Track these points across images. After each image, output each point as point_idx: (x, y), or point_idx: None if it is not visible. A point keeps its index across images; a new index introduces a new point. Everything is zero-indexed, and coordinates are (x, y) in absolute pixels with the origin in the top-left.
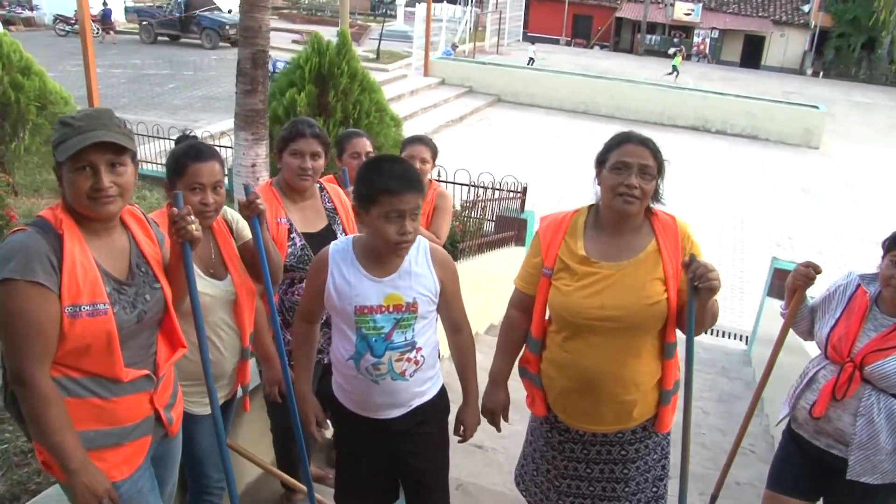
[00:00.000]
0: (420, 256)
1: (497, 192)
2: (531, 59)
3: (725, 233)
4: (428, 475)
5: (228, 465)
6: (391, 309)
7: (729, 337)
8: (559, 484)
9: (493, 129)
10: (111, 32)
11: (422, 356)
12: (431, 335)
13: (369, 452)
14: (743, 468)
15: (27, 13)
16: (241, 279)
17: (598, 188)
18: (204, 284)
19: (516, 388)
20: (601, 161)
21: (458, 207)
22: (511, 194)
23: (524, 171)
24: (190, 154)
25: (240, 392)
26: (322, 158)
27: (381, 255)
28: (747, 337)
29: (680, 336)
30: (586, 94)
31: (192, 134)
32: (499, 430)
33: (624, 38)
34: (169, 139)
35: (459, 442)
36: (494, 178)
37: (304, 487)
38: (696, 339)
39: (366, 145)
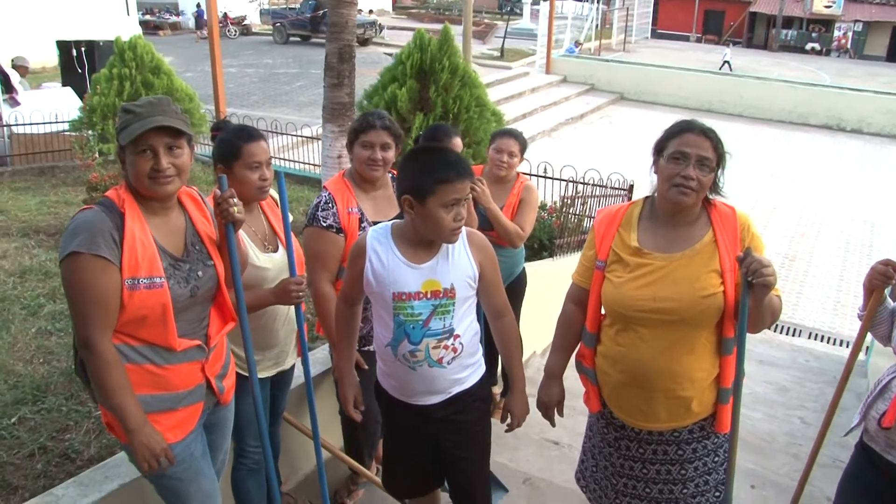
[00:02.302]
0: (458, 241)
1: (600, 189)
2: (726, 62)
3: (854, 237)
4: (467, 463)
5: (265, 431)
6: (429, 295)
7: (846, 346)
8: (616, 482)
9: (614, 128)
10: (201, 31)
11: (460, 343)
12: (471, 323)
13: (412, 438)
14: (832, 482)
15: (174, 19)
16: (294, 250)
17: (655, 178)
18: (263, 259)
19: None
20: (659, 149)
21: (557, 203)
22: (615, 191)
23: (640, 169)
24: (243, 136)
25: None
26: (392, 149)
27: (419, 242)
28: (868, 347)
29: (754, 337)
30: (712, 91)
31: (228, 119)
32: (553, 424)
33: (758, 33)
34: (286, 134)
35: (506, 431)
36: (601, 175)
37: (368, 472)
38: (806, 344)
39: (458, 145)
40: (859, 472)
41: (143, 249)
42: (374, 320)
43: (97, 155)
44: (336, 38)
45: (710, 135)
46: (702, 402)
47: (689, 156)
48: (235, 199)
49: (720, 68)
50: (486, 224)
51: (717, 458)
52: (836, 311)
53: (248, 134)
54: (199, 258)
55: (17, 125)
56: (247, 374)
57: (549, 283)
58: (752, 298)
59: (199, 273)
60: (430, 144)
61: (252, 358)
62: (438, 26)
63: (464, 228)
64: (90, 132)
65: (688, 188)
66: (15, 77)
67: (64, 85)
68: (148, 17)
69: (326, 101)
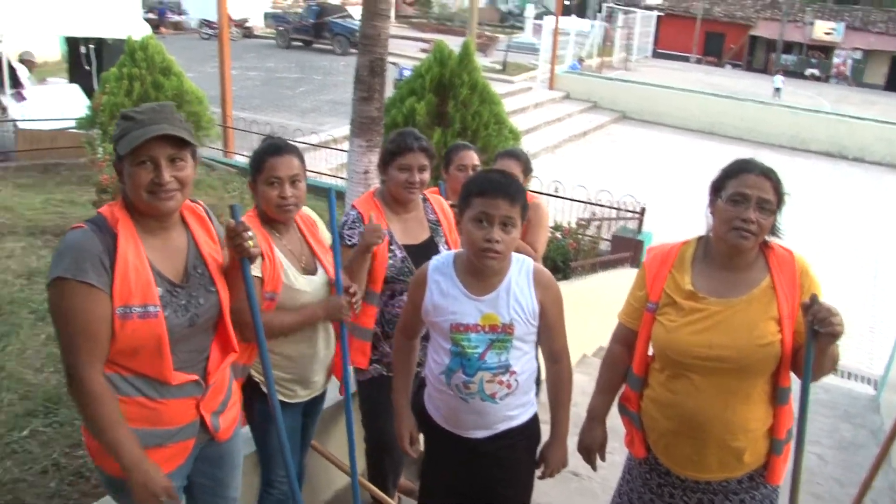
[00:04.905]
0: (521, 277)
1: (615, 212)
2: (777, 89)
3: (856, 267)
4: (508, 502)
5: (289, 459)
6: (487, 329)
7: (855, 379)
8: None
9: (617, 146)
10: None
11: (515, 380)
12: (529, 361)
13: (453, 469)
14: None
15: (176, 18)
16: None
17: (711, 218)
18: (302, 283)
19: (613, 414)
20: (717, 189)
21: (573, 225)
22: (629, 214)
23: (645, 191)
24: (268, 150)
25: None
26: (428, 171)
27: (480, 272)
28: (876, 381)
29: (795, 381)
30: (714, 113)
31: (276, 136)
32: (594, 468)
33: (758, 57)
34: (294, 141)
35: (539, 478)
36: (612, 197)
37: (391, 501)
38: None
39: (473, 158)
40: None
41: (137, 275)
42: (430, 346)
43: (108, 155)
44: (368, 51)
45: (770, 176)
46: (754, 452)
47: (750, 198)
48: (250, 233)
49: (773, 95)
50: None
51: None
52: (841, 343)
53: (275, 147)
54: (202, 283)
55: (23, 120)
56: (282, 399)
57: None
58: (816, 347)
59: (201, 300)
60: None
61: (273, 386)
62: (440, 36)
63: (531, 263)
64: (96, 131)
65: (748, 231)
66: (24, 72)
67: (71, 81)
68: (151, 15)
69: (355, 115)
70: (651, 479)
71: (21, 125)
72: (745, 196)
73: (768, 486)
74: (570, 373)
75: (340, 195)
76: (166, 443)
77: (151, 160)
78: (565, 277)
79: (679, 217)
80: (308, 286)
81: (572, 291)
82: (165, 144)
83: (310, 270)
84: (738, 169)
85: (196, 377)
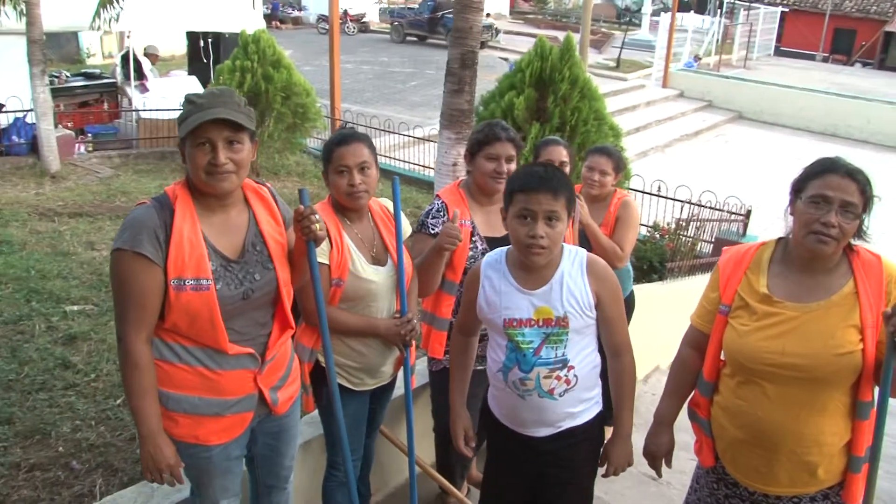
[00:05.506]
0: (574, 269)
1: (717, 213)
2: None
3: None
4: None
5: (346, 445)
6: (541, 323)
7: None
8: None
9: (730, 147)
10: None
11: (574, 375)
12: (589, 354)
13: (514, 466)
14: None
15: (296, 13)
16: (405, 263)
17: (790, 219)
18: (369, 271)
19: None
20: (798, 189)
21: (672, 225)
22: (732, 216)
23: (755, 194)
24: (335, 140)
25: (399, 376)
26: (515, 162)
27: (530, 266)
28: None
29: None
30: (837, 114)
31: (350, 125)
32: (659, 475)
33: (892, 54)
34: (397, 133)
35: (602, 476)
36: (717, 198)
37: (459, 493)
38: None
39: (561, 154)
40: None
41: (192, 249)
42: (488, 344)
43: None
44: (459, 44)
45: (856, 177)
46: (830, 469)
47: (832, 200)
48: (317, 216)
49: None
50: (585, 243)
51: None
52: None
53: (342, 137)
54: (259, 260)
55: (144, 110)
56: (349, 387)
57: (658, 307)
58: None
59: (257, 276)
60: (542, 161)
61: (333, 371)
62: (555, 33)
63: (585, 254)
64: None
65: (828, 236)
66: (146, 65)
67: (190, 74)
68: (265, 10)
69: (445, 107)
70: (718, 489)
71: (143, 115)
72: (827, 198)
73: None
74: (632, 368)
75: (430, 185)
76: (224, 412)
77: (209, 142)
78: (661, 278)
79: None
80: (376, 276)
81: (666, 293)
82: (223, 127)
83: (380, 261)
84: (822, 169)
85: (252, 350)
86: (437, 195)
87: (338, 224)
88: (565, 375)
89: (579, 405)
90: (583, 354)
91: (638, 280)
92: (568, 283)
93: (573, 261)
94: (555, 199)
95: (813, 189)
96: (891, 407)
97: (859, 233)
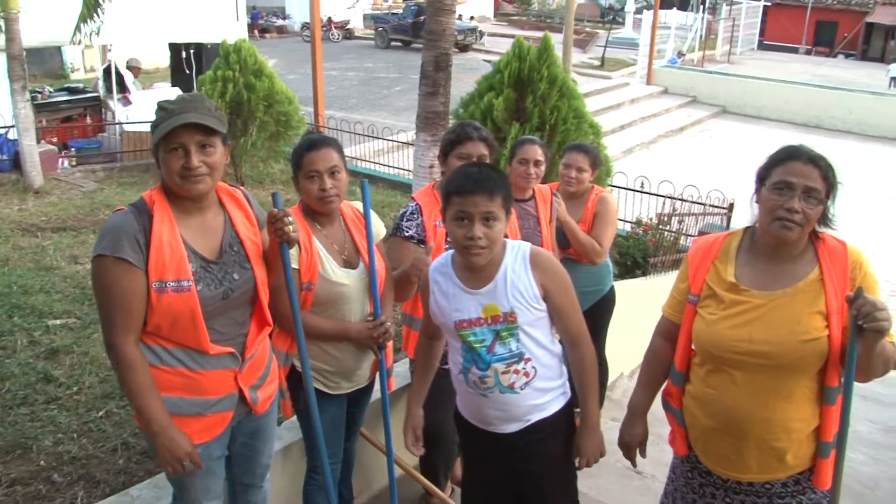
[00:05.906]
0: (518, 263)
1: (698, 207)
2: (894, 78)
3: None
4: (548, 500)
5: (323, 449)
6: (489, 320)
7: None
8: None
9: (714, 142)
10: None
11: (532, 367)
12: (546, 345)
13: (488, 466)
14: None
15: (280, 22)
16: (377, 266)
17: (756, 207)
18: (340, 274)
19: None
20: (762, 177)
21: (653, 220)
22: (715, 209)
23: (739, 187)
24: (304, 145)
25: (376, 381)
26: (487, 161)
27: (474, 266)
28: None
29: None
30: (820, 106)
31: (315, 127)
32: (634, 465)
33: (874, 45)
34: (380, 139)
35: (577, 468)
36: (700, 192)
37: (441, 493)
38: None
39: (536, 153)
40: None
41: (171, 252)
42: (449, 347)
43: None
44: (433, 46)
45: (819, 163)
46: (798, 454)
47: (795, 186)
48: (290, 218)
49: (889, 87)
50: (563, 240)
51: None
52: None
53: (312, 142)
54: (237, 260)
55: (128, 123)
56: (325, 391)
57: (641, 303)
58: (861, 345)
59: (235, 276)
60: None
61: (309, 375)
62: (539, 34)
63: (528, 248)
64: None
65: (792, 222)
66: (129, 77)
67: (173, 85)
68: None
69: (420, 110)
70: (693, 478)
71: (126, 128)
72: (791, 184)
73: (817, 492)
74: (592, 357)
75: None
76: (205, 412)
77: (182, 147)
78: (644, 273)
79: None
80: (347, 279)
81: (649, 288)
82: (195, 132)
83: (351, 264)
84: (784, 156)
85: (233, 350)
86: (413, 197)
87: (307, 228)
88: (523, 368)
89: (544, 396)
90: (538, 345)
91: (622, 276)
92: (512, 278)
93: (516, 255)
94: (490, 200)
95: (776, 176)
96: (871, 393)
97: (824, 220)
